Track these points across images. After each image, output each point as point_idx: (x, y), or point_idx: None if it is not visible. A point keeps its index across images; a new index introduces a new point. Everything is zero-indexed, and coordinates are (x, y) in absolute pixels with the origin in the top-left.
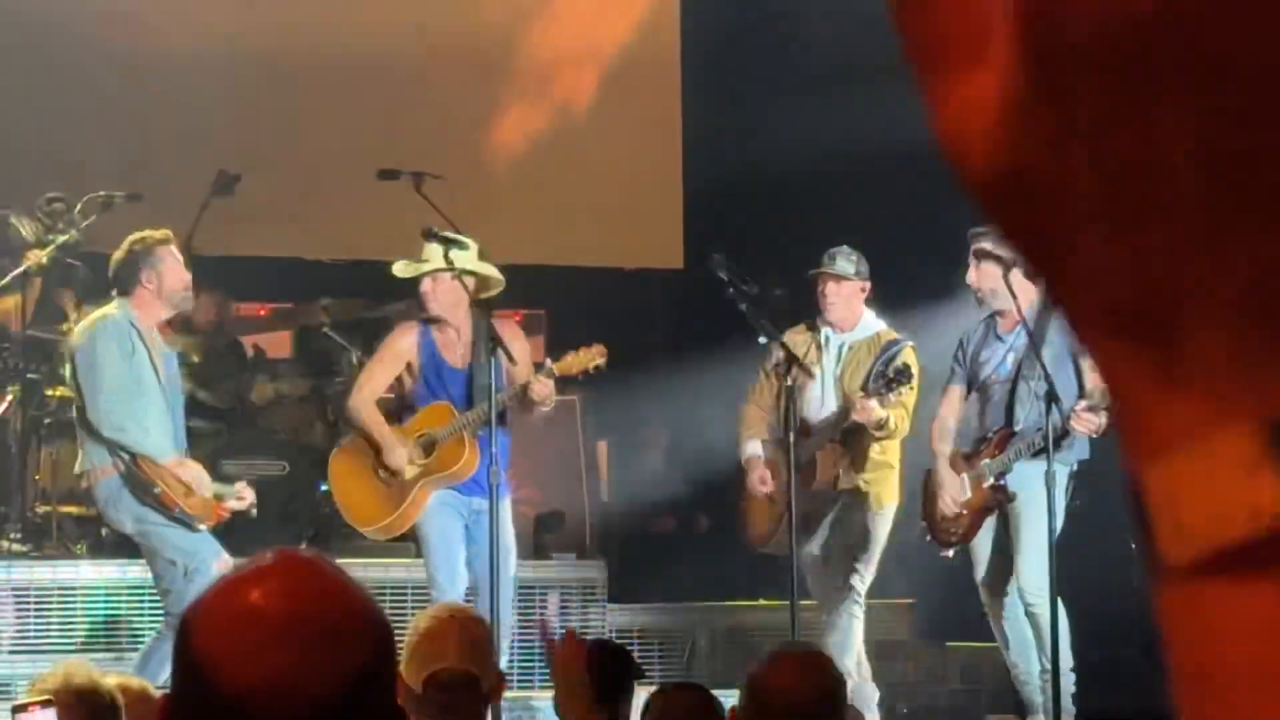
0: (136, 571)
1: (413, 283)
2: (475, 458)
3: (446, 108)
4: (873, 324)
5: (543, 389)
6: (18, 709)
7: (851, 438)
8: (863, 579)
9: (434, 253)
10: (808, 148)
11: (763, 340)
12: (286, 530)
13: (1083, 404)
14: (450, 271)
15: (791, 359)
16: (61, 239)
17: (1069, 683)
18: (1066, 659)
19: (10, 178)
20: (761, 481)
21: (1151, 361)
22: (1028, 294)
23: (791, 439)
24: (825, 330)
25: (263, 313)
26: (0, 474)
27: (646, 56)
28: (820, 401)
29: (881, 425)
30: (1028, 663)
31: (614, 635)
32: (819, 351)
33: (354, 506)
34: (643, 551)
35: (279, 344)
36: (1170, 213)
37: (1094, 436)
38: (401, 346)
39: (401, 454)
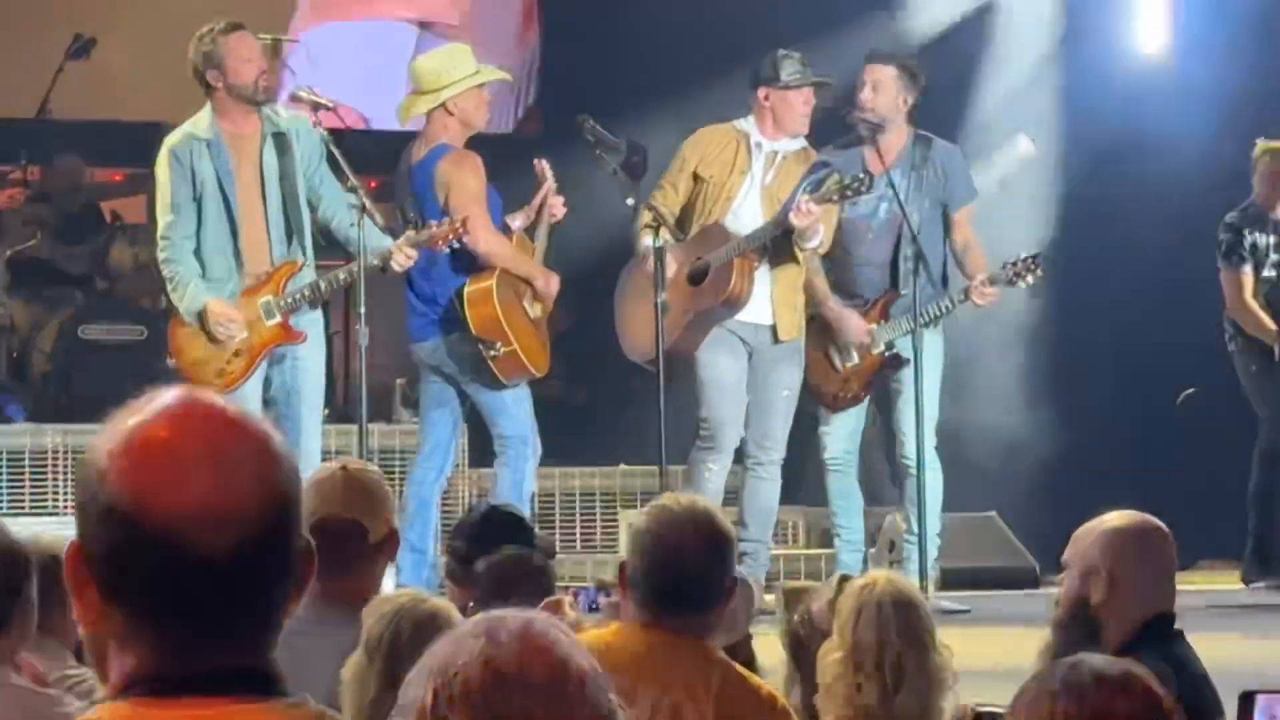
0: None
1: None
2: None
3: None
4: (800, 139)
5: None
6: None
7: (772, 251)
8: (769, 435)
9: (457, 67)
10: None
11: (630, 202)
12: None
13: (982, 277)
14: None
15: (660, 221)
16: None
17: (933, 547)
18: (934, 524)
19: None
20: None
21: None
22: (900, 141)
23: (661, 299)
24: (751, 133)
25: (118, 178)
26: None
27: None
28: (747, 211)
29: (815, 234)
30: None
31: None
32: (747, 154)
33: (529, 352)
34: None
35: (135, 209)
36: None
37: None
38: (482, 182)
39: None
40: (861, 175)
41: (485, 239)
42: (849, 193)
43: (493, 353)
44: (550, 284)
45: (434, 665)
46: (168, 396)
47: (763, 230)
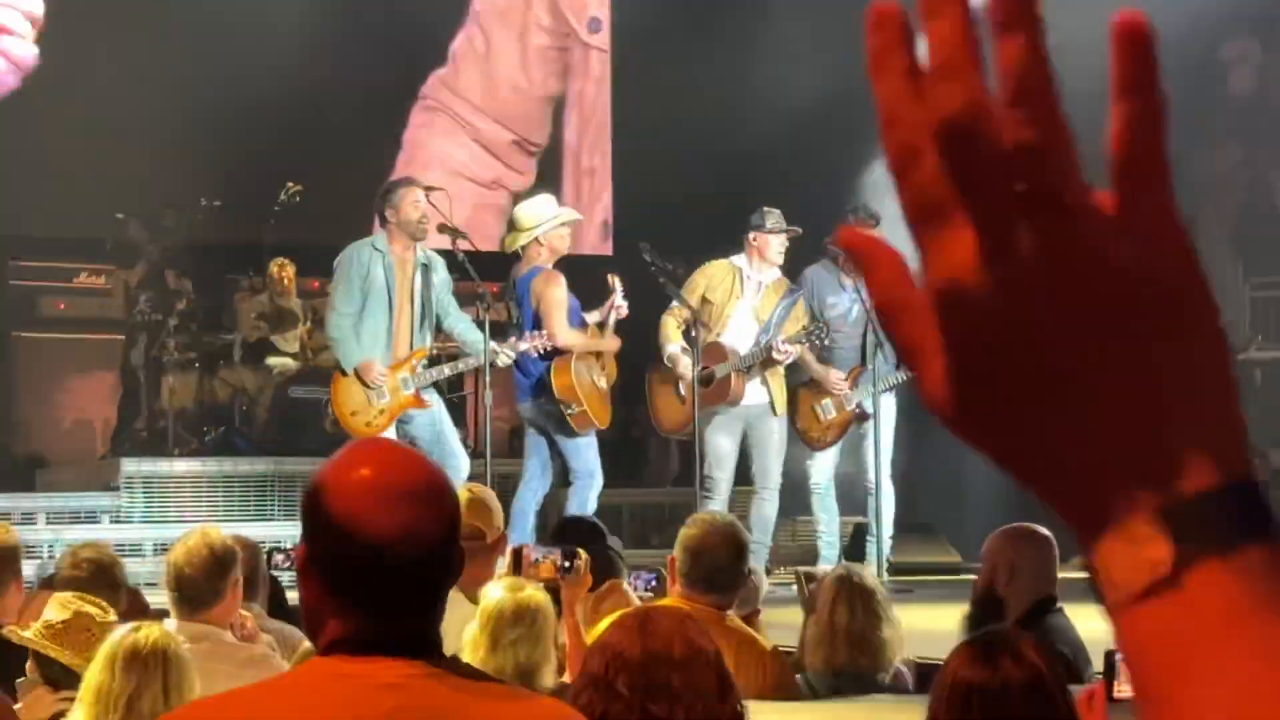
0: (228, 465)
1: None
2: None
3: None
4: (777, 270)
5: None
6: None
7: (760, 365)
8: (768, 473)
9: (545, 212)
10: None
11: (674, 303)
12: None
13: None
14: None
15: (694, 318)
16: (170, 237)
17: (887, 546)
18: (888, 528)
19: (130, 186)
20: (688, 370)
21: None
22: None
23: (696, 370)
24: (743, 268)
25: (315, 285)
26: (132, 397)
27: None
28: (739, 325)
29: (788, 359)
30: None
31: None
32: (740, 284)
33: (595, 412)
34: None
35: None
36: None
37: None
38: (563, 293)
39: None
40: (822, 324)
41: (562, 335)
42: (812, 339)
43: (570, 411)
44: (613, 344)
45: (606, 644)
46: (372, 445)
47: (751, 355)
